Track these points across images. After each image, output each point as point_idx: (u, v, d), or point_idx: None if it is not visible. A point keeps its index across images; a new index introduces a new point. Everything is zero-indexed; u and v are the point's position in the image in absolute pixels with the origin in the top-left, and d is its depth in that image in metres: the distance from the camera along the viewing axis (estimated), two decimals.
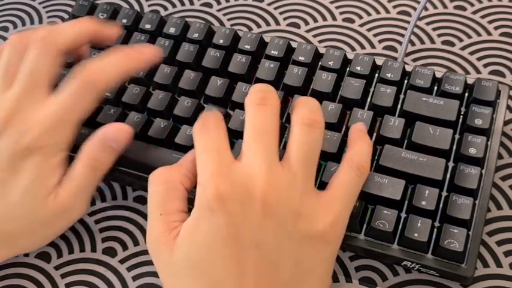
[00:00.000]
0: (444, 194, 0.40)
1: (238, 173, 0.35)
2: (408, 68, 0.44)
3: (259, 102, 0.37)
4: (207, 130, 0.37)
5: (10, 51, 0.41)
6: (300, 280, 0.34)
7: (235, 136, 0.42)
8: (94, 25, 0.43)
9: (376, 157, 0.41)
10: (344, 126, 0.42)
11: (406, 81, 0.44)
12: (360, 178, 0.38)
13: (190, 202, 0.37)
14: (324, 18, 0.52)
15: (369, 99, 0.43)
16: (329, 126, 0.42)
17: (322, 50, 0.45)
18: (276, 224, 0.34)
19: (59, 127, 0.39)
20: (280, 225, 0.34)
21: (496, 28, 0.49)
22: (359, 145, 0.39)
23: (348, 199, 0.37)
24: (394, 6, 0.52)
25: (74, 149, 0.41)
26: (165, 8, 0.54)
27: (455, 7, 0.51)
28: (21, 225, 0.39)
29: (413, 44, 0.50)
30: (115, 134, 0.40)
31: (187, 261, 0.34)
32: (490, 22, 0.50)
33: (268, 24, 0.52)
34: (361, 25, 0.51)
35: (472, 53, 0.48)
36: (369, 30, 0.51)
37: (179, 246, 0.34)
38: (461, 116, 0.42)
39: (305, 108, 0.38)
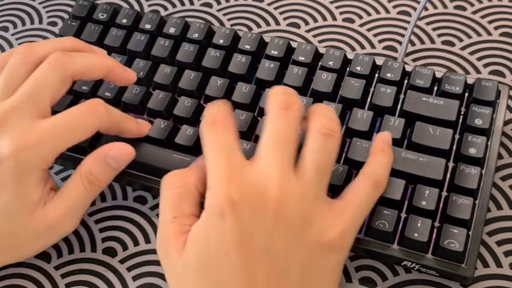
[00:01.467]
0: (444, 194, 0.40)
1: (250, 177, 0.34)
2: (408, 68, 0.44)
3: (283, 106, 0.36)
4: (216, 129, 0.36)
5: (16, 62, 0.40)
6: (308, 286, 0.34)
7: None
8: (112, 64, 0.42)
9: None
10: (344, 126, 0.42)
11: (406, 81, 0.44)
12: (375, 193, 0.37)
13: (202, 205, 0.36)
14: (324, 18, 0.52)
15: (369, 99, 0.43)
16: None
17: (322, 50, 0.45)
18: (286, 232, 0.34)
19: (43, 147, 0.38)
20: (290, 232, 0.34)
21: (496, 28, 0.49)
22: (378, 158, 0.38)
23: (359, 211, 0.36)
24: (394, 6, 0.52)
25: (77, 149, 0.41)
26: (165, 8, 0.54)
27: (455, 7, 0.51)
28: (6, 239, 0.39)
29: (413, 44, 0.50)
30: (117, 154, 0.40)
31: (195, 264, 0.34)
32: (490, 22, 0.50)
33: (268, 24, 0.52)
34: (361, 25, 0.51)
35: (472, 53, 0.48)
36: (369, 30, 0.51)
37: (188, 249, 0.34)
38: (461, 116, 0.42)
39: (323, 117, 0.37)
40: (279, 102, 0.37)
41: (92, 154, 0.40)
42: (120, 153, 0.40)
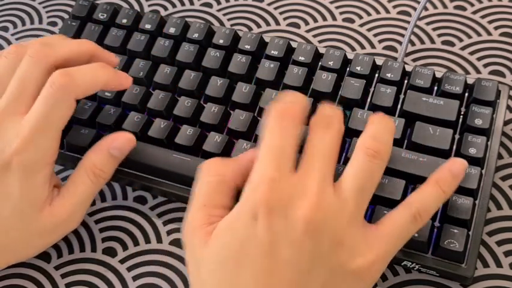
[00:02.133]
0: None
1: (292, 186, 0.34)
2: (408, 68, 0.44)
3: (324, 126, 0.36)
4: (283, 122, 0.35)
5: (4, 62, 0.40)
6: None
7: (235, 136, 0.42)
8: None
9: None
10: (344, 127, 0.42)
11: (406, 81, 0.44)
12: (414, 226, 0.35)
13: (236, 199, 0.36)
14: (324, 18, 0.52)
15: (369, 99, 0.43)
16: None
17: (322, 50, 0.45)
18: (314, 247, 0.33)
19: (38, 140, 0.38)
20: (318, 249, 0.33)
21: (496, 28, 0.49)
22: (428, 191, 0.36)
23: (395, 243, 0.35)
24: (394, 6, 0.52)
25: (77, 149, 0.41)
26: (165, 8, 0.54)
27: (455, 7, 0.51)
28: (15, 238, 0.39)
29: (413, 44, 0.50)
30: (119, 144, 0.40)
31: (216, 257, 0.33)
32: (490, 22, 0.50)
33: (268, 24, 0.52)
34: (361, 25, 0.51)
35: (472, 53, 0.48)
36: (369, 30, 0.51)
37: (213, 240, 0.34)
38: (461, 116, 0.42)
39: (371, 137, 0.36)
40: (321, 121, 0.36)
41: (94, 148, 0.40)
42: (122, 142, 0.40)
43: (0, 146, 0.38)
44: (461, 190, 0.39)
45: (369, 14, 0.52)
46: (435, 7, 0.51)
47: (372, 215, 0.38)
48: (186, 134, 0.43)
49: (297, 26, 0.52)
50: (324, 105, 0.37)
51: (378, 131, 0.36)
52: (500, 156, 0.44)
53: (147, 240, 0.43)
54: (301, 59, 0.45)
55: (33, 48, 0.40)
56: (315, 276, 0.33)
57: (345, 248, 0.33)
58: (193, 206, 0.36)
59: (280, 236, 0.32)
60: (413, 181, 0.39)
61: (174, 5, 0.55)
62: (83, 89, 0.39)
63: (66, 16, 0.55)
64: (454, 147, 0.41)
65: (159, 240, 0.43)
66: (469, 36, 0.49)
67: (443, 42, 0.49)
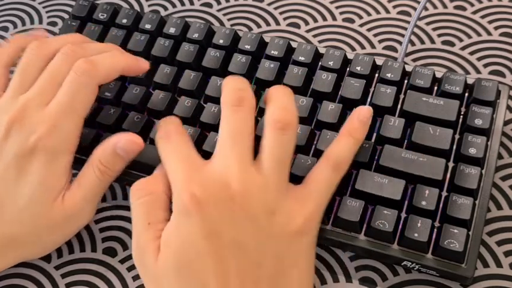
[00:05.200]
0: (444, 194, 0.40)
1: (211, 174, 0.35)
2: (408, 68, 0.44)
3: (235, 103, 0.38)
4: (169, 138, 0.38)
5: (28, 57, 0.41)
6: (284, 275, 0.35)
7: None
8: (126, 60, 0.43)
9: (376, 157, 0.41)
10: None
11: (406, 81, 0.44)
12: (336, 177, 0.38)
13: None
14: (324, 18, 0.52)
15: (369, 99, 0.43)
16: (329, 126, 0.42)
17: (322, 50, 0.45)
18: (252, 224, 0.35)
19: (61, 125, 0.39)
20: (257, 224, 0.35)
21: (496, 28, 0.49)
22: (342, 142, 0.39)
23: (321, 196, 0.37)
24: (394, 6, 0.52)
25: (78, 149, 0.41)
26: (165, 8, 0.54)
27: (455, 7, 0.51)
28: (28, 229, 0.39)
29: (413, 44, 0.50)
30: (126, 144, 0.40)
31: (171, 265, 0.34)
32: (490, 22, 0.50)
33: (268, 24, 0.52)
34: (361, 25, 0.51)
35: (472, 53, 0.48)
36: (369, 30, 0.51)
37: (162, 252, 0.35)
38: (461, 116, 0.42)
39: (277, 108, 0.38)
40: (231, 99, 0.38)
41: (102, 144, 0.41)
42: (129, 144, 0.40)
43: (26, 133, 0.39)
44: (461, 190, 0.39)
45: (369, 14, 0.52)
46: (435, 7, 0.51)
47: (372, 215, 0.38)
48: None
49: (297, 26, 0.52)
50: (230, 78, 0.39)
51: (282, 100, 0.38)
52: (500, 156, 0.44)
53: None
54: (301, 59, 0.45)
55: (67, 47, 0.41)
56: (264, 250, 0.35)
57: (280, 214, 0.35)
58: (137, 228, 0.37)
59: (217, 223, 0.34)
60: (414, 181, 0.39)
61: (174, 5, 0.55)
62: (104, 75, 0.41)
63: (66, 16, 0.55)
64: (454, 147, 0.41)
65: None
66: (469, 36, 0.49)
67: (443, 42, 0.49)
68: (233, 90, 0.38)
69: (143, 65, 0.44)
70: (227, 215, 0.34)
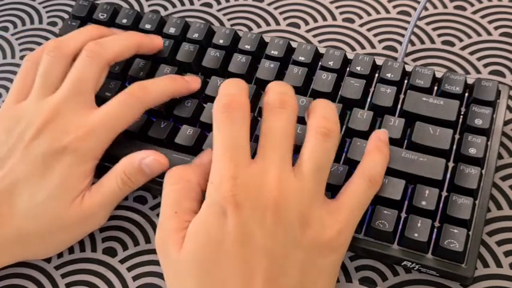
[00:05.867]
0: (444, 194, 0.40)
1: (252, 177, 0.35)
2: (408, 68, 0.44)
3: (278, 105, 0.37)
4: (230, 115, 0.36)
5: (50, 60, 0.42)
6: (307, 287, 0.34)
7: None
8: (139, 38, 0.45)
9: None
10: (344, 126, 0.42)
11: (406, 81, 0.44)
12: (371, 190, 0.37)
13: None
14: (324, 18, 0.52)
15: (369, 99, 0.43)
16: None
17: (322, 50, 0.45)
18: (284, 231, 0.34)
19: (99, 134, 0.40)
20: (288, 233, 0.34)
21: (496, 28, 0.49)
22: (373, 156, 0.38)
23: (356, 209, 0.37)
24: (394, 6, 0.52)
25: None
26: (165, 8, 0.54)
27: (455, 7, 0.51)
28: (41, 225, 0.39)
29: (413, 44, 0.50)
30: (152, 163, 0.40)
31: (193, 259, 0.34)
32: (490, 22, 0.50)
33: (268, 24, 0.52)
34: (361, 25, 0.51)
35: (472, 53, 0.48)
36: (369, 30, 0.51)
37: (186, 244, 0.34)
38: (461, 116, 0.42)
39: (321, 116, 0.37)
40: (274, 101, 0.37)
41: (130, 156, 0.41)
42: (154, 163, 0.40)
43: (58, 133, 0.39)
44: (461, 190, 0.39)
45: (369, 14, 0.52)
46: (435, 7, 0.51)
47: (372, 215, 0.39)
48: (186, 134, 0.43)
49: (297, 26, 0.52)
50: (274, 83, 0.38)
51: (326, 111, 0.38)
52: (500, 156, 0.44)
53: (147, 240, 0.43)
54: (301, 59, 0.45)
55: (89, 48, 0.42)
56: (291, 260, 0.34)
57: (313, 225, 0.35)
58: (163, 215, 0.37)
59: (251, 228, 0.33)
60: (413, 181, 0.39)
61: (174, 5, 0.55)
62: (115, 55, 0.43)
63: (66, 16, 0.55)
64: (454, 147, 0.41)
65: None
66: (469, 36, 0.49)
67: (443, 42, 0.49)
68: (277, 93, 0.38)
69: (157, 41, 0.46)
70: (261, 221, 0.34)
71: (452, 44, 0.49)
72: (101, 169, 0.41)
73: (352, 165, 0.40)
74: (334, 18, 0.52)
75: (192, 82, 0.44)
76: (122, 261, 0.43)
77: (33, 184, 0.39)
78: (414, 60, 0.49)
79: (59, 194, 0.39)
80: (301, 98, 0.43)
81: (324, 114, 0.37)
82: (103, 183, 0.41)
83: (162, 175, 0.40)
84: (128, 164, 0.40)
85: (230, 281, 0.33)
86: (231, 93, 0.37)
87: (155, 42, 0.46)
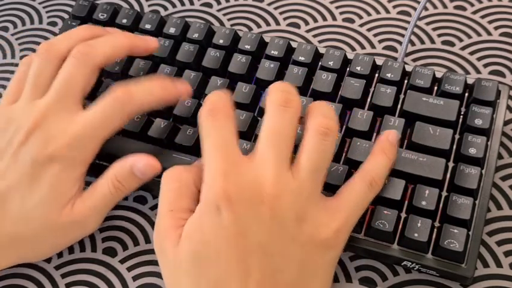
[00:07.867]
0: (444, 194, 0.40)
1: (247, 173, 0.35)
2: (408, 68, 0.44)
3: (282, 104, 0.37)
4: (215, 117, 0.37)
5: (40, 62, 0.42)
6: (303, 283, 0.35)
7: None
8: (131, 39, 0.44)
9: None
10: (344, 126, 0.42)
11: (406, 81, 0.44)
12: (371, 192, 0.37)
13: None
14: (324, 18, 0.52)
15: (369, 99, 0.43)
16: None
17: (322, 50, 0.45)
18: (281, 229, 0.34)
19: (85, 141, 0.39)
20: (285, 229, 0.34)
21: (496, 28, 0.49)
22: (378, 159, 0.38)
23: (354, 210, 0.37)
24: (394, 6, 0.52)
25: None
26: (165, 8, 0.54)
27: (455, 7, 0.51)
28: (33, 230, 0.39)
29: (413, 44, 0.50)
30: (144, 167, 0.40)
31: (189, 257, 0.34)
32: (490, 22, 0.50)
33: (268, 24, 0.52)
34: (361, 25, 0.51)
35: (472, 53, 0.48)
36: (369, 30, 0.51)
37: (183, 242, 0.35)
38: (461, 116, 0.42)
39: (320, 115, 0.37)
40: (278, 99, 0.37)
41: (121, 160, 0.41)
42: (146, 167, 0.40)
43: (45, 140, 0.39)
44: (461, 190, 0.39)
45: (369, 14, 0.52)
46: (435, 7, 0.51)
47: (372, 215, 0.38)
48: (186, 134, 0.43)
49: (297, 26, 0.52)
50: (278, 83, 0.38)
51: (325, 110, 0.38)
52: (500, 156, 0.44)
53: (147, 240, 0.43)
54: (301, 59, 0.45)
55: (77, 50, 0.41)
56: (288, 257, 0.34)
57: (309, 222, 0.35)
58: (160, 214, 0.37)
59: (246, 225, 0.34)
60: (414, 181, 0.39)
61: (174, 5, 0.55)
62: (105, 57, 0.41)
63: (66, 16, 0.55)
64: (454, 147, 0.41)
65: None
66: (469, 36, 0.49)
67: (443, 42, 0.49)
68: (281, 91, 0.38)
69: (151, 42, 0.44)
70: (256, 217, 0.34)
71: (452, 44, 0.49)
72: (100, 168, 0.41)
73: (352, 165, 0.40)
74: (334, 18, 0.52)
75: (180, 88, 0.43)
76: (122, 261, 0.43)
77: (24, 190, 0.39)
78: (414, 60, 0.49)
79: (49, 200, 0.39)
80: (301, 98, 0.43)
81: (323, 113, 0.37)
82: (95, 188, 0.40)
83: (161, 175, 0.40)
84: (120, 169, 0.40)
85: (227, 278, 0.33)
86: (212, 100, 0.38)
87: (149, 44, 0.44)
